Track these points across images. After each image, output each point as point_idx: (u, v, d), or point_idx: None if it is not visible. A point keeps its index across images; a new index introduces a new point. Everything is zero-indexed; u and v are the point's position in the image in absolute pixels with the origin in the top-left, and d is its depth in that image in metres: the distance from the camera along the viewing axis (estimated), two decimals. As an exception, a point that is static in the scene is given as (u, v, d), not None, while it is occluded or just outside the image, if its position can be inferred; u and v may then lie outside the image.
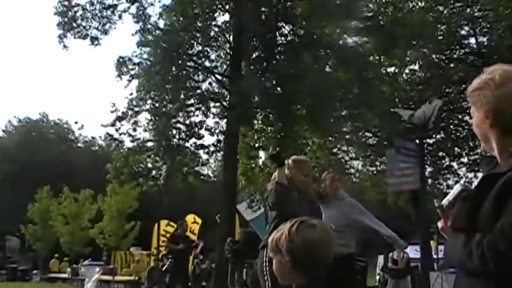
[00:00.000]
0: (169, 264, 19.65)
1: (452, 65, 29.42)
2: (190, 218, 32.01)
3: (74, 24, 26.64)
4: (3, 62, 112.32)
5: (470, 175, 31.34)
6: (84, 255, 40.89)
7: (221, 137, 26.99)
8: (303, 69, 24.61)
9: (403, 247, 8.79)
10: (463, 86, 28.34)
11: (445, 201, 2.55)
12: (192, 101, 26.53)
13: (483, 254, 2.25)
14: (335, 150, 31.37)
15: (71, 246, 42.28)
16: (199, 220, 33.78)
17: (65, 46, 27.11)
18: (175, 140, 26.15)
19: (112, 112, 26.02)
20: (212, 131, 27.43)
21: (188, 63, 26.52)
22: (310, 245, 2.44)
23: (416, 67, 30.94)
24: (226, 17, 27.46)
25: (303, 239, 2.45)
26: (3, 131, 68.55)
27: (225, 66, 28.37)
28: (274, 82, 26.18)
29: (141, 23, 26.40)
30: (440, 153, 31.85)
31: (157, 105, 25.93)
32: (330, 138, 29.49)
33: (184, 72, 26.14)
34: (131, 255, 35.71)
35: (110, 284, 27.05)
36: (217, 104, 27.42)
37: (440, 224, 2.57)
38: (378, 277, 31.44)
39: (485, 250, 2.24)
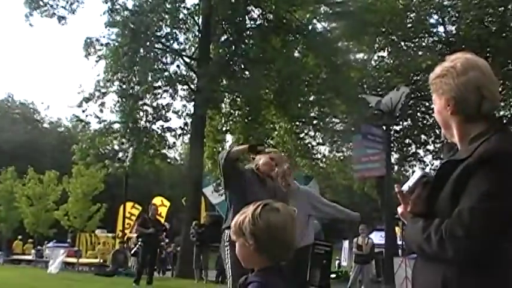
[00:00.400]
0: (138, 248, 19.62)
1: (420, 53, 29.61)
2: (157, 200, 31.96)
3: (41, 3, 26.33)
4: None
5: (436, 162, 31.66)
6: (48, 237, 40.65)
7: (188, 120, 26.96)
8: (271, 54, 24.61)
9: (358, 218, 8.86)
10: (431, 74, 28.53)
11: (405, 187, 2.56)
12: (159, 83, 26.44)
13: (441, 239, 2.27)
14: (302, 135, 31.42)
15: (35, 228, 41.99)
16: (167, 203, 33.73)
17: (30, 24, 26.87)
18: (142, 122, 26.09)
19: (79, 93, 25.84)
20: (179, 113, 27.43)
21: (156, 45, 26.39)
22: (274, 228, 2.41)
23: (385, 54, 31.13)
24: (196, -1, 27.38)
25: (267, 222, 2.42)
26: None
27: (193, 49, 28.27)
28: (242, 66, 26.16)
29: (109, 3, 26.16)
30: (407, 140, 32.14)
31: (124, 86, 25.79)
32: (297, 123, 29.54)
33: (152, 54, 26.01)
34: (96, 238, 35.59)
35: (75, 266, 26.93)
36: (185, 87, 27.35)
37: (400, 209, 2.58)
38: (337, 262, 31.67)
39: (443, 235, 2.26)
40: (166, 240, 29.74)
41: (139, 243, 19.68)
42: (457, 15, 28.68)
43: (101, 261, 27.85)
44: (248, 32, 26.85)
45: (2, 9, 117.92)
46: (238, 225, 2.50)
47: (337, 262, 31.19)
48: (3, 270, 26.17)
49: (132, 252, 25.55)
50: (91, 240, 35.77)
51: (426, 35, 30.07)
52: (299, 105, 26.38)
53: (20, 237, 40.40)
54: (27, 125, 68.17)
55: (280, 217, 2.46)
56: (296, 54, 27.52)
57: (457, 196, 2.30)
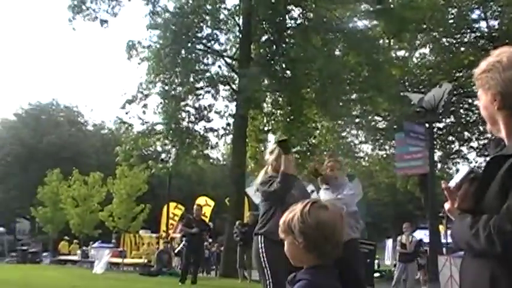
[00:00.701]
0: (182, 247, 19.80)
1: (462, 49, 29.36)
2: (201, 200, 32.08)
3: (84, 7, 26.61)
4: (16, 48, 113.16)
5: (480, 160, 31.35)
6: (93, 238, 41.09)
7: (230, 120, 27.01)
8: (312, 53, 24.52)
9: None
10: (474, 70, 28.22)
11: (452, 183, 2.56)
12: (201, 84, 26.54)
13: (490, 235, 2.26)
14: (344, 134, 31.41)
15: (80, 229, 42.43)
16: (211, 203, 33.84)
17: (73, 29, 27.25)
18: (184, 123, 26.20)
19: (122, 95, 26.10)
20: (221, 114, 27.49)
21: (197, 46, 26.50)
22: (323, 225, 2.44)
23: (427, 51, 30.95)
24: (236, -1, 27.46)
25: (316, 219, 2.44)
26: (15, 115, 68.70)
27: (234, 50, 28.35)
28: (283, 65, 26.15)
29: (150, 6, 26.39)
30: (450, 138, 31.87)
31: (166, 88, 25.94)
32: (339, 121, 29.49)
33: (193, 55, 26.11)
34: (140, 238, 35.89)
35: (119, 267, 27.19)
36: (227, 87, 27.45)
37: (447, 206, 2.57)
38: (376, 261, 31.44)
39: (491, 231, 2.25)
40: (210, 240, 29.88)
41: (183, 242, 19.87)
42: (499, 9, 28.35)
43: (145, 261, 28.04)
44: (288, 32, 26.84)
45: (46, 15, 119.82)
46: (287, 224, 2.51)
47: (376, 261, 31.01)
48: (49, 270, 26.55)
49: (176, 251, 25.75)
50: (135, 240, 36.08)
51: (468, 30, 29.77)
52: (341, 103, 26.29)
53: (66, 237, 40.93)
54: (71, 128, 68.90)
55: (329, 215, 2.48)
56: (337, 52, 27.41)
57: (506, 191, 2.29)
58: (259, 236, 6.57)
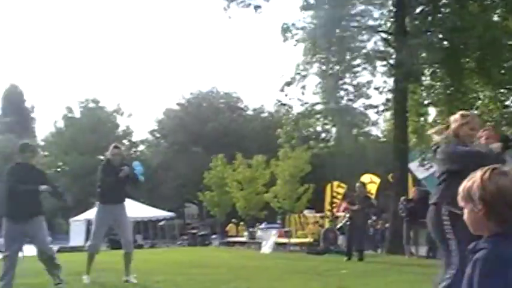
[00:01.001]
0: (345, 224, 19.97)
1: None
2: (366, 178, 32.03)
3: (237, -5, 27.16)
4: (176, 42, 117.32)
5: None
6: (260, 219, 41.97)
7: (389, 96, 26.73)
8: (469, 21, 23.75)
9: None
10: None
11: None
12: (358, 61, 26.39)
13: None
14: (508, 102, 30.19)
15: (246, 211, 43.41)
16: (376, 180, 33.71)
17: (229, 17, 27.83)
18: (343, 101, 26.17)
19: (280, 78, 26.41)
20: (380, 90, 27.22)
21: (351, 24, 26.35)
22: (504, 191, 2.37)
23: None
24: (387, -27, 27.04)
25: (497, 185, 2.38)
26: (178, 104, 71.14)
27: (389, 24, 27.96)
28: (440, 36, 25.49)
29: (303, -13, 26.47)
30: None
31: (323, 67, 26.02)
32: (502, 90, 28.40)
33: (348, 32, 26.01)
34: (305, 218, 36.32)
35: (286, 247, 27.64)
36: (384, 63, 27.11)
37: None
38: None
39: None
40: (374, 218, 29.78)
41: (345, 219, 20.07)
42: None
43: (312, 240, 28.33)
44: (443, 1, 26.14)
45: (201, 7, 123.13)
46: (466, 191, 2.49)
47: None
48: (219, 251, 27.45)
49: (337, 227, 25.90)
50: (300, 220, 36.53)
51: None
52: (502, 71, 25.38)
53: (233, 220, 42.07)
54: (232, 113, 70.45)
55: (510, 181, 2.42)
56: (495, 18, 26.42)
57: None
58: (442, 206, 6.45)
